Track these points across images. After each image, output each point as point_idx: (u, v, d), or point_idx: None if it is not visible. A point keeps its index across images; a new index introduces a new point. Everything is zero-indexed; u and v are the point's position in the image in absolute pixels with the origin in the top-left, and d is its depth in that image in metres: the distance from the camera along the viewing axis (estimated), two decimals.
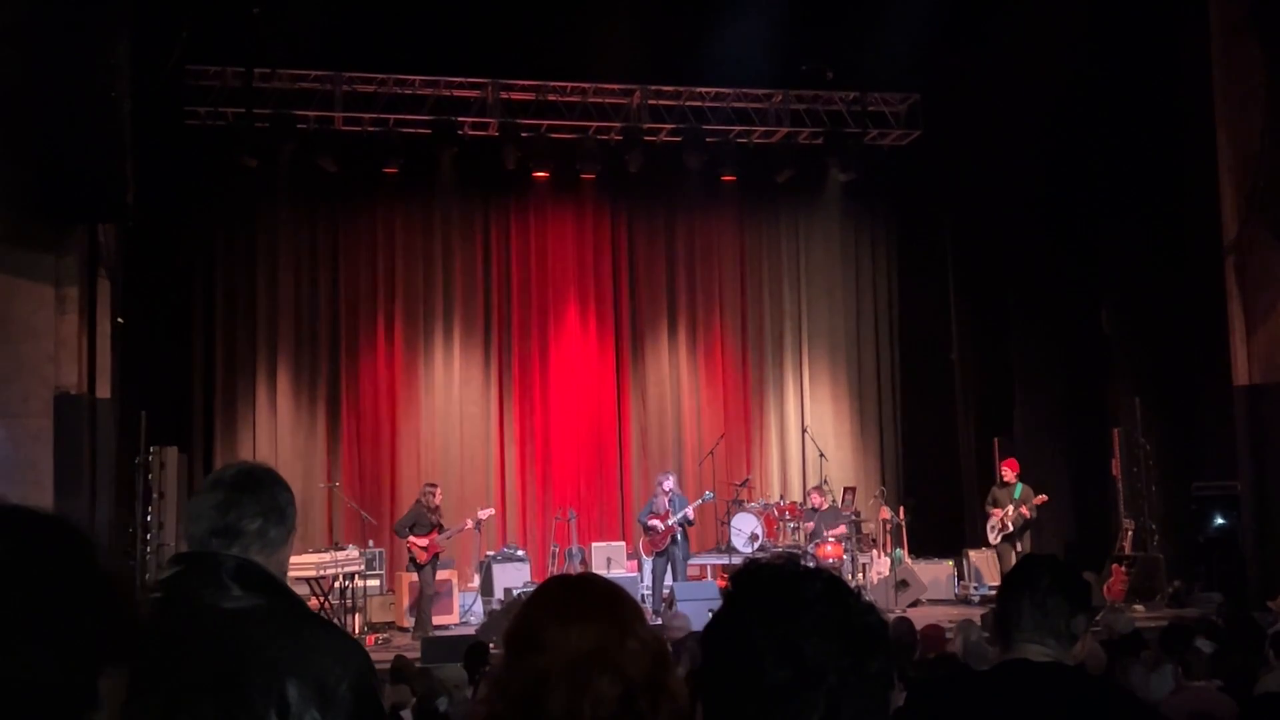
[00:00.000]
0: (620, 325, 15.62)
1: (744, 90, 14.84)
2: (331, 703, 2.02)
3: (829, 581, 1.47)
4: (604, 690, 1.48)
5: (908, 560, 13.59)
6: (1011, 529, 12.77)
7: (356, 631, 11.69)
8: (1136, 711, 2.47)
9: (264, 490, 2.27)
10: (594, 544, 14.04)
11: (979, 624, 7.13)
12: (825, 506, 13.25)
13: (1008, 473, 13.08)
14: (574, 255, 15.54)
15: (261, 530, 2.21)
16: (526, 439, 15.17)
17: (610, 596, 1.61)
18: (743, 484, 13.91)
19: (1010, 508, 12.81)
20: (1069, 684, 2.39)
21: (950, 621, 9.59)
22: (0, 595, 1.02)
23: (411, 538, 11.90)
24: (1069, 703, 2.36)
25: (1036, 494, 12.87)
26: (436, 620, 11.97)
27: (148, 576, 10.24)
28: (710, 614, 1.54)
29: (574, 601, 1.58)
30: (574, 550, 13.54)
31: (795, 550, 12.49)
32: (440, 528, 12.07)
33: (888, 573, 13.23)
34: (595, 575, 1.78)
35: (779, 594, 1.45)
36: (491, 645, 7.78)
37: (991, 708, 2.39)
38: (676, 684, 1.55)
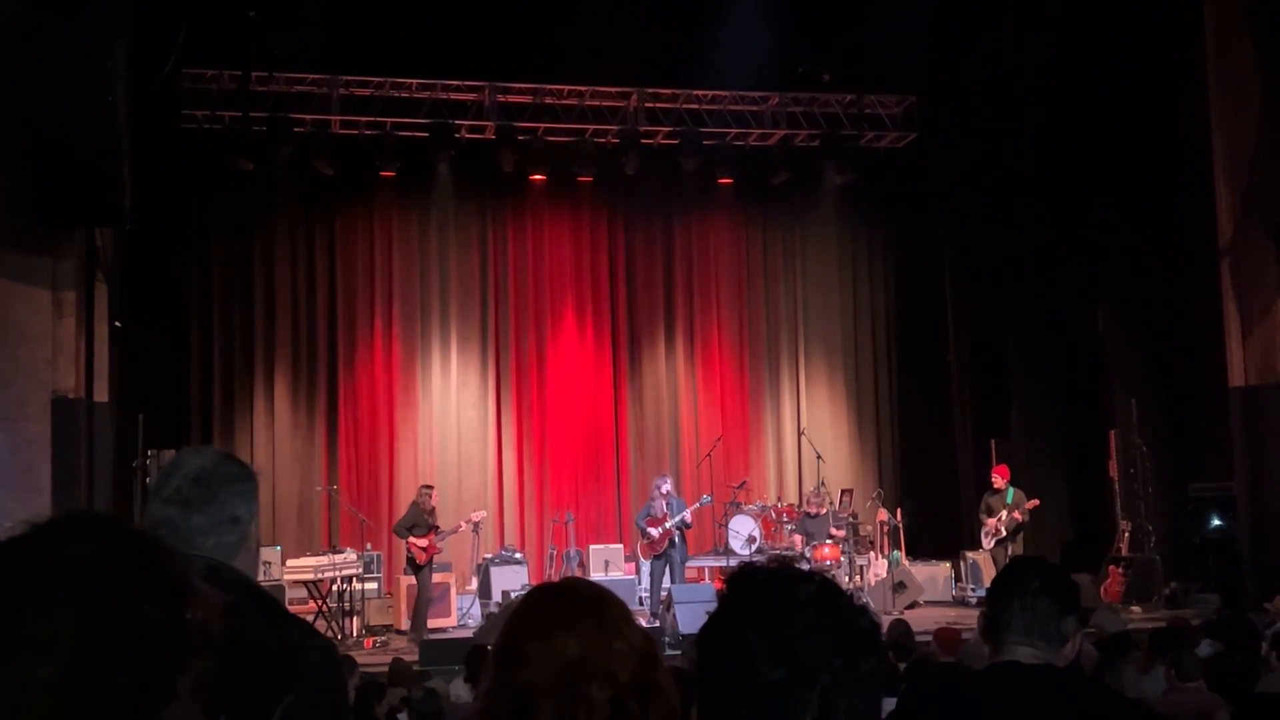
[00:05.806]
0: (617, 328, 15.63)
1: (740, 93, 14.86)
2: (299, 693, 2.05)
3: (822, 584, 1.49)
4: (595, 696, 1.48)
5: (905, 562, 13.60)
6: (1005, 534, 12.82)
7: (355, 635, 11.71)
8: (1126, 712, 2.48)
9: (215, 502, 2.20)
10: (592, 546, 14.06)
11: None
12: (821, 512, 13.21)
13: (998, 479, 13.11)
14: (571, 258, 15.55)
15: (216, 546, 2.19)
16: (524, 442, 15.17)
17: (594, 600, 1.59)
18: (740, 486, 13.90)
19: (1004, 513, 12.84)
20: (1059, 685, 2.41)
21: (950, 623, 9.61)
22: (89, 600, 1.06)
23: (411, 538, 11.92)
24: (1059, 704, 2.38)
25: (1030, 498, 12.92)
26: (434, 623, 11.98)
27: None
28: (707, 616, 1.55)
29: (557, 610, 1.56)
30: (571, 553, 13.54)
31: (791, 553, 12.49)
32: (436, 529, 12.09)
33: (885, 574, 13.24)
34: (578, 580, 1.76)
35: (773, 596, 1.47)
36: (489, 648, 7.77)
37: (981, 709, 2.41)
38: (666, 681, 1.55)
